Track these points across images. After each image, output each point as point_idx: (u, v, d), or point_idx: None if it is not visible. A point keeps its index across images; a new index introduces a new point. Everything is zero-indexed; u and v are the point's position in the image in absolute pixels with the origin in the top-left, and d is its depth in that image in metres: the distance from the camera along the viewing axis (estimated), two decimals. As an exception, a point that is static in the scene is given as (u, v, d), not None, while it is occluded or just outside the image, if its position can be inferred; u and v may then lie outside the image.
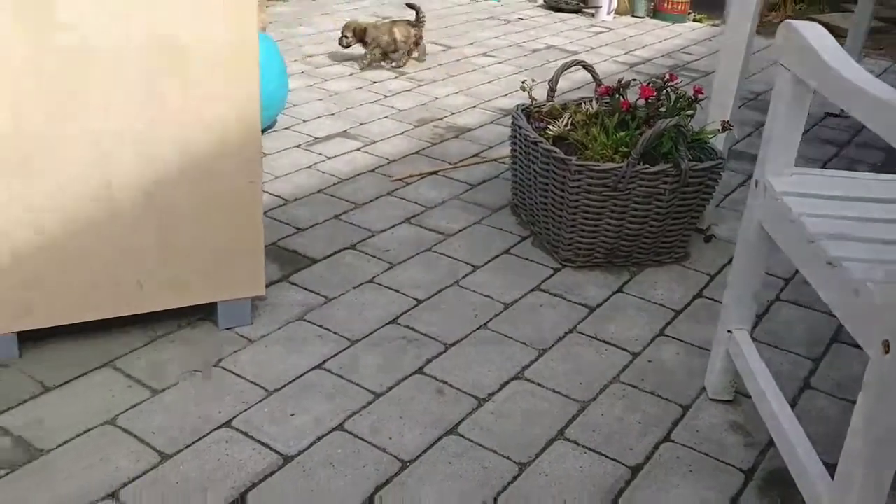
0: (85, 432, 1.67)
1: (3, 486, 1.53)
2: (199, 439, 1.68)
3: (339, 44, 4.17)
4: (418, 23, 4.19)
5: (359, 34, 4.14)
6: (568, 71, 2.71)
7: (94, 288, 1.85)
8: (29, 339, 1.89)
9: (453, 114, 3.66)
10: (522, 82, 2.81)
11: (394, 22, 4.21)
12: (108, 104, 1.71)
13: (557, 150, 2.36)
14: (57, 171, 1.72)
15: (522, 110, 2.66)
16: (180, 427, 1.71)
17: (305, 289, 2.24)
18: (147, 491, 1.54)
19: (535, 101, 2.72)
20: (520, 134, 2.56)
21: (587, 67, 2.77)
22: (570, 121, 2.47)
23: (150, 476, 1.58)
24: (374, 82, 4.00)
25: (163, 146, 1.79)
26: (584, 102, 2.57)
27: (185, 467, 1.60)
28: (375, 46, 4.13)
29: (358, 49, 4.20)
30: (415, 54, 4.29)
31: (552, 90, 2.73)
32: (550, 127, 2.50)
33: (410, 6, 4.23)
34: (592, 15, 5.67)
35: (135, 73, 1.71)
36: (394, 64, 4.21)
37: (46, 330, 1.88)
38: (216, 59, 1.76)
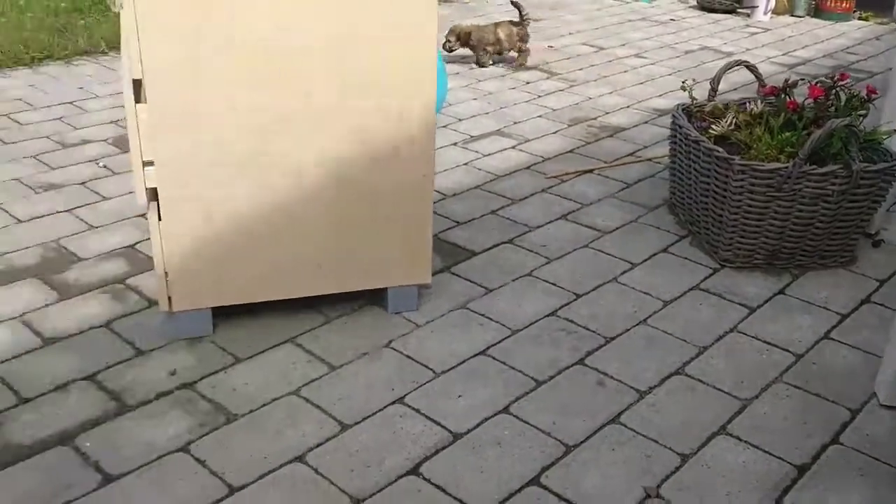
0: (273, 401, 1.83)
1: (205, 444, 1.69)
2: (375, 413, 1.79)
3: (443, 48, 4.25)
4: (522, 21, 4.24)
5: (463, 38, 4.23)
6: (728, 71, 2.68)
7: (279, 270, 2.01)
8: (220, 315, 2.06)
9: (607, 113, 3.68)
10: (683, 82, 2.80)
11: (497, 23, 4.27)
12: (304, 95, 1.86)
13: (720, 149, 2.35)
14: (255, 158, 1.88)
15: (683, 110, 2.66)
16: (357, 400, 1.83)
17: (466, 279, 2.33)
18: (331, 456, 1.67)
19: (695, 101, 2.71)
20: (680, 133, 2.57)
21: (750, 67, 2.73)
22: (733, 120, 2.46)
23: (333, 443, 1.70)
24: (527, 82, 4.08)
25: (348, 139, 1.92)
26: (749, 102, 2.54)
27: (364, 437, 1.72)
28: (483, 48, 4.20)
29: (464, 51, 4.27)
30: (513, 54, 4.31)
31: (713, 90, 2.71)
32: (713, 126, 2.49)
33: (515, 4, 4.28)
34: (748, 15, 5.53)
35: (329, 67, 1.85)
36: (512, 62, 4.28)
37: (235, 307, 2.06)
38: (401, 58, 1.88)
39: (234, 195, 1.90)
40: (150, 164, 1.84)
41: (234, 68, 1.79)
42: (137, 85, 1.81)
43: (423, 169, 2.01)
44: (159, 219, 1.89)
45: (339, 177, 1.95)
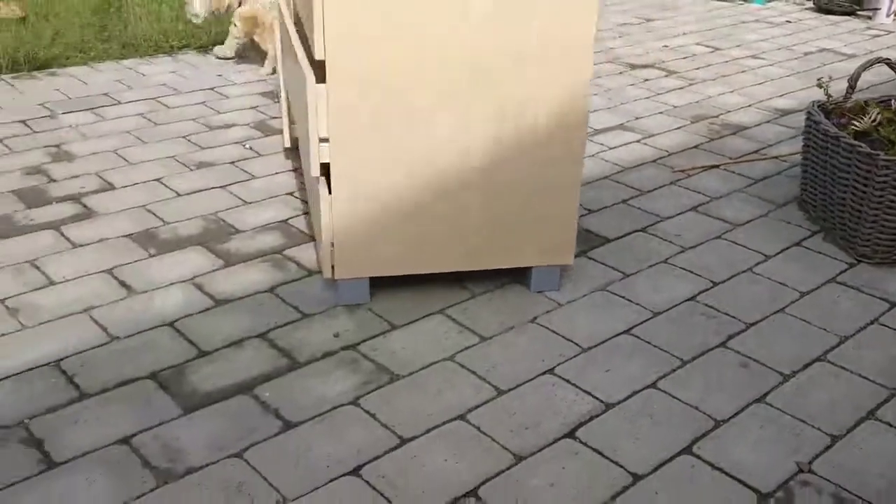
0: (430, 365, 1.94)
1: (373, 400, 1.82)
2: (528, 381, 1.89)
3: None
4: None
5: None
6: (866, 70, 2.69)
7: (433, 245, 2.13)
8: (375, 285, 2.20)
9: (728, 112, 3.70)
10: (819, 79, 2.82)
11: None
12: (468, 80, 1.97)
13: (862, 145, 2.37)
14: (419, 139, 2.00)
15: (819, 107, 2.68)
16: (509, 369, 1.93)
17: (603, 264, 2.41)
18: (490, 417, 1.77)
19: (830, 98, 2.72)
20: (817, 129, 2.58)
21: (892, 65, 2.73)
22: (877, 117, 2.46)
23: (491, 406, 1.81)
24: (646, 80, 4.12)
25: (506, 122, 2.02)
26: (894, 100, 2.54)
27: (519, 402, 1.82)
28: None
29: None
30: None
31: (852, 87, 2.72)
32: (854, 123, 2.51)
33: None
34: (870, 17, 5.43)
35: (494, 50, 1.95)
36: None
37: (388, 279, 2.18)
38: (562, 42, 1.97)
39: (397, 173, 2.03)
40: (325, 140, 1.98)
41: (406, 52, 1.91)
42: (318, 66, 1.96)
43: (574, 155, 2.10)
44: (329, 192, 2.03)
45: (494, 160, 2.06)
